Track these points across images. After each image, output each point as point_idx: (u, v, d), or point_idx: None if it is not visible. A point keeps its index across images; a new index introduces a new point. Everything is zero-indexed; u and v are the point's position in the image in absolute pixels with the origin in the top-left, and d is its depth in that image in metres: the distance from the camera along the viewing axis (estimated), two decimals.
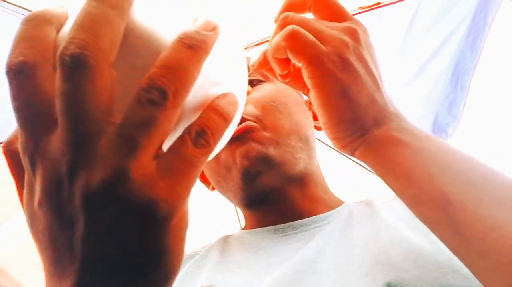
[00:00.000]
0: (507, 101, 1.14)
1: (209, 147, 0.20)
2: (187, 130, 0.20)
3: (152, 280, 0.19)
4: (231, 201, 0.58)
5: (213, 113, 0.21)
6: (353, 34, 0.34)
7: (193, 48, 0.19)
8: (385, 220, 0.44)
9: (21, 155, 0.19)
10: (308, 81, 0.33)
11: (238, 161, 0.49)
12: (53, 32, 0.20)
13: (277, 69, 0.37)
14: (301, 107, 0.58)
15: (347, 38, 0.33)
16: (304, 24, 0.33)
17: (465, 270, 0.33)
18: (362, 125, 0.33)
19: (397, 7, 1.22)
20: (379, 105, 0.34)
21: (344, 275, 0.38)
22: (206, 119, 0.20)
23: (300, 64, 0.33)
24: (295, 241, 0.48)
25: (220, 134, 0.21)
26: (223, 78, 0.23)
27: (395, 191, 0.32)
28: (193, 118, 0.21)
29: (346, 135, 0.34)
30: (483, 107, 1.21)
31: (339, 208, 0.52)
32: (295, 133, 0.53)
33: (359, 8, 1.15)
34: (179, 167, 0.19)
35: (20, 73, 0.19)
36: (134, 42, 0.20)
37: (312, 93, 0.34)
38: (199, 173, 0.20)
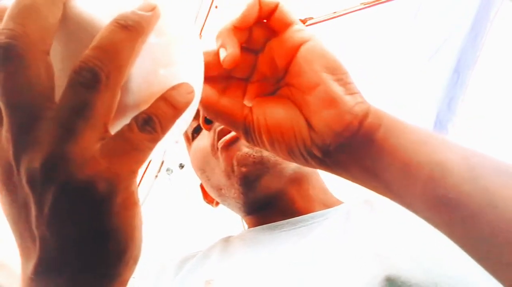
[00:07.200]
0: (507, 99, 1.14)
1: (156, 133, 0.20)
2: (135, 117, 0.20)
3: (104, 258, 0.19)
4: (232, 209, 0.58)
5: (163, 103, 0.21)
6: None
7: (128, 28, 0.19)
8: (384, 215, 0.44)
9: None
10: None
11: (236, 169, 0.50)
12: None
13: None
14: None
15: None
16: None
17: (464, 263, 0.33)
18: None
19: (400, 3, 1.21)
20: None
21: (342, 267, 0.38)
22: (154, 108, 0.21)
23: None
24: (293, 235, 0.48)
25: (170, 123, 0.21)
26: (174, 60, 0.23)
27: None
28: (146, 106, 0.21)
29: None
30: (483, 104, 1.20)
31: (338, 206, 0.52)
32: None
33: (362, 4, 1.14)
34: (123, 149, 0.19)
35: None
36: (71, 28, 0.20)
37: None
38: (145, 158, 0.20)
